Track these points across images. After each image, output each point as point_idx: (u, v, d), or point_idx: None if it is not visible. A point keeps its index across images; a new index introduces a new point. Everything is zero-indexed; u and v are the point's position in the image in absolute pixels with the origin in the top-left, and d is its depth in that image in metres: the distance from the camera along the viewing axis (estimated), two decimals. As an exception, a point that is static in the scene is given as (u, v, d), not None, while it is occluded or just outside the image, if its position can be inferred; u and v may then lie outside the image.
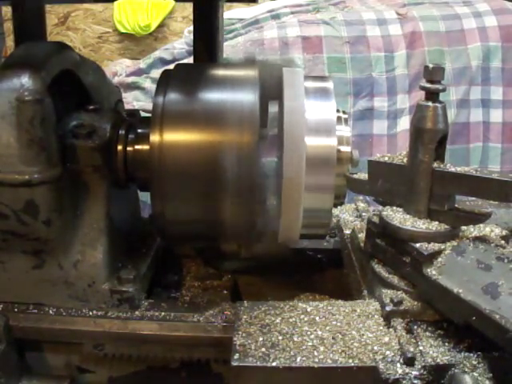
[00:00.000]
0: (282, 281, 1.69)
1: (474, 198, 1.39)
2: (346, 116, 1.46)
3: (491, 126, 3.20)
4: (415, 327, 1.21)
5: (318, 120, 1.36)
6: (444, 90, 1.27)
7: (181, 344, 1.38)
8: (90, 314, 1.38)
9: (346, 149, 1.40)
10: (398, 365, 1.12)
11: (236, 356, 1.14)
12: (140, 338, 1.36)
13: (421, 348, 1.15)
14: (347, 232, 1.65)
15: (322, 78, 1.51)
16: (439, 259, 1.23)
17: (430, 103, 1.27)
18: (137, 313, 1.38)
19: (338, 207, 1.67)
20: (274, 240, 1.41)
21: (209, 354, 1.39)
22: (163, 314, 1.38)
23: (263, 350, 1.15)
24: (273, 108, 1.41)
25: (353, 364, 1.12)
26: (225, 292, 1.53)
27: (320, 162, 1.35)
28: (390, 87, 3.17)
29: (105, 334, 1.36)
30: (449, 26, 3.27)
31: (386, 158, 1.37)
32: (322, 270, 1.74)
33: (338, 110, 1.41)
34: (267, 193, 1.37)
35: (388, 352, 1.15)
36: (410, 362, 1.12)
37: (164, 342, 1.37)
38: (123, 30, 6.18)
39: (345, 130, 1.42)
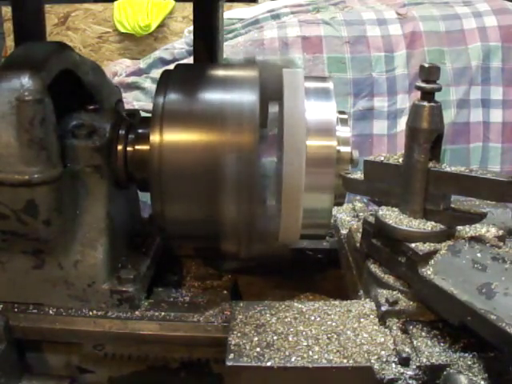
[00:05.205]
0: (282, 281, 1.70)
1: (470, 198, 1.39)
2: (345, 116, 1.46)
3: (491, 126, 3.19)
4: (410, 327, 1.21)
5: (318, 120, 1.36)
6: (439, 90, 1.27)
7: (181, 344, 1.38)
8: (90, 313, 1.37)
9: (346, 149, 1.40)
10: (393, 365, 1.12)
11: (231, 356, 1.14)
12: (140, 338, 1.36)
13: (416, 348, 1.16)
14: (344, 232, 1.66)
15: (322, 78, 1.51)
16: (434, 259, 1.23)
17: (425, 103, 1.27)
18: (137, 313, 1.38)
19: (335, 207, 1.67)
20: (274, 240, 1.41)
21: (209, 354, 1.40)
22: (163, 314, 1.38)
23: (258, 349, 1.15)
24: (273, 108, 1.41)
25: (348, 364, 1.12)
26: (225, 292, 1.53)
27: (320, 162, 1.35)
28: (390, 87, 3.17)
29: (105, 334, 1.36)
30: (449, 26, 3.26)
31: (382, 158, 1.37)
32: (322, 270, 1.74)
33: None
34: (267, 193, 1.38)
35: (383, 352, 1.15)
36: (405, 362, 1.12)
37: (164, 341, 1.38)
38: (123, 30, 6.18)
39: (345, 131, 1.42)
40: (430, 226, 1.29)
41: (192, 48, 1.88)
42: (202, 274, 1.65)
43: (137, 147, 1.42)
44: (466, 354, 1.14)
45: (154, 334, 1.36)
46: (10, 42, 5.84)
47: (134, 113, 1.59)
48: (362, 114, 3.15)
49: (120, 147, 1.42)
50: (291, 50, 3.20)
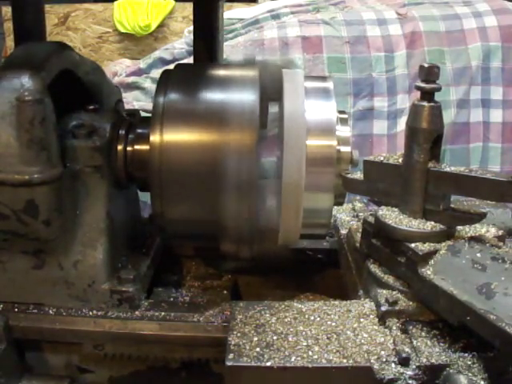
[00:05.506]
0: (281, 281, 1.70)
1: (470, 198, 1.39)
2: (345, 116, 1.46)
3: (491, 126, 3.19)
4: (410, 327, 1.22)
5: (318, 120, 1.36)
6: (439, 90, 1.27)
7: (181, 344, 1.38)
8: (90, 313, 1.38)
9: (345, 149, 1.40)
10: (393, 365, 1.12)
11: (230, 356, 1.14)
12: (140, 338, 1.36)
13: (416, 348, 1.16)
14: (344, 232, 1.66)
15: (322, 78, 1.51)
16: (434, 259, 1.23)
17: (425, 103, 1.27)
18: (137, 313, 1.38)
19: (335, 207, 1.67)
20: (274, 240, 1.41)
21: (209, 354, 1.40)
22: (163, 314, 1.38)
23: (258, 349, 1.15)
24: (273, 108, 1.41)
25: (347, 364, 1.12)
26: (225, 292, 1.54)
27: (320, 162, 1.35)
28: (390, 87, 3.16)
29: (105, 333, 1.36)
30: (449, 26, 3.25)
31: (382, 158, 1.37)
32: (322, 270, 1.75)
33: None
34: (267, 193, 1.38)
35: (383, 352, 1.15)
36: (404, 362, 1.12)
37: (164, 342, 1.37)
38: (123, 30, 6.18)
39: (345, 130, 1.42)
40: (429, 226, 1.29)
41: (192, 48, 1.88)
42: (202, 273, 1.65)
43: (137, 147, 1.43)
44: (466, 354, 1.14)
45: (154, 334, 1.36)
46: (10, 41, 5.84)
47: (134, 113, 1.59)
48: (361, 114, 3.15)
49: (120, 147, 1.42)
50: (291, 50, 3.19)
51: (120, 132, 1.42)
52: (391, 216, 1.33)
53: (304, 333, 1.21)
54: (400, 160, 1.34)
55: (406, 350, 1.15)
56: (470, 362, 1.13)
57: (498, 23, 3.25)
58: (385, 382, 1.10)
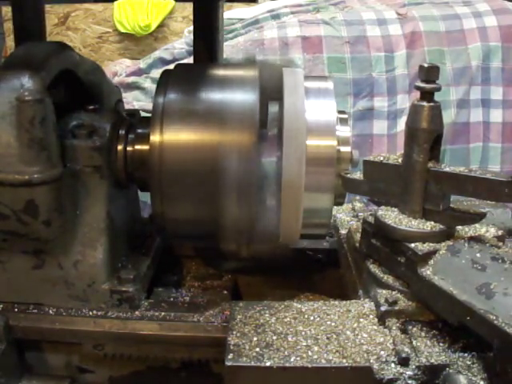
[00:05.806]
0: (281, 281, 1.70)
1: (470, 198, 1.39)
2: (345, 116, 1.46)
3: (491, 126, 3.18)
4: (410, 327, 1.22)
5: (318, 120, 1.37)
6: (439, 90, 1.27)
7: (181, 344, 1.38)
8: (90, 313, 1.38)
9: (345, 149, 1.40)
10: (393, 365, 1.12)
11: (230, 356, 1.14)
12: (140, 338, 1.37)
13: (415, 348, 1.16)
14: (343, 232, 1.66)
15: (322, 78, 1.51)
16: (434, 259, 1.23)
17: (424, 103, 1.27)
18: (137, 313, 1.38)
19: (335, 207, 1.67)
20: (274, 240, 1.41)
21: (209, 354, 1.40)
22: (163, 314, 1.38)
23: (257, 349, 1.15)
24: (273, 108, 1.41)
25: (347, 364, 1.12)
26: (225, 292, 1.53)
27: (320, 162, 1.35)
28: (390, 87, 3.16)
29: (105, 333, 1.37)
30: (449, 26, 3.25)
31: (382, 158, 1.37)
32: (322, 270, 1.74)
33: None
34: (267, 193, 1.38)
35: (382, 352, 1.15)
36: (404, 362, 1.12)
37: (164, 341, 1.37)
38: (123, 30, 6.17)
39: (345, 130, 1.42)
40: (429, 226, 1.29)
41: (192, 48, 1.88)
42: (202, 274, 1.65)
43: (137, 147, 1.43)
44: (466, 354, 1.14)
45: (154, 334, 1.36)
46: (10, 41, 5.84)
47: (133, 113, 1.59)
48: (361, 114, 3.14)
49: (120, 147, 1.42)
50: (291, 50, 3.19)
51: (120, 132, 1.42)
52: (391, 216, 1.33)
53: (304, 333, 1.21)
54: (400, 160, 1.34)
55: (406, 350, 1.15)
56: (469, 362, 1.13)
57: (498, 23, 3.25)
58: (384, 382, 1.10)
